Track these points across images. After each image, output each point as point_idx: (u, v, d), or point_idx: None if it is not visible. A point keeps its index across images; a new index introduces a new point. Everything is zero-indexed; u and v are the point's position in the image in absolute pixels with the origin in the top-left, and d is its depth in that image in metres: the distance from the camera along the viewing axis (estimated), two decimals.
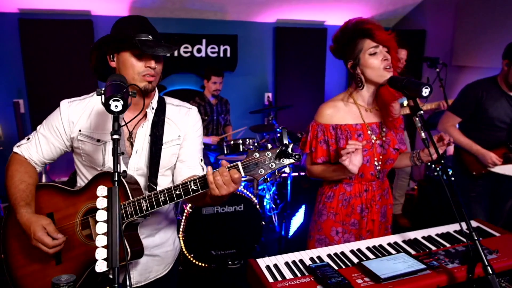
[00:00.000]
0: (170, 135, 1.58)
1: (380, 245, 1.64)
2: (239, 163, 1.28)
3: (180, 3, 4.75)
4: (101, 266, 1.00)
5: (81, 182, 1.60)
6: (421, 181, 4.72)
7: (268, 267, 1.45)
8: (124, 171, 1.09)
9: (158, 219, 1.63)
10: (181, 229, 3.25)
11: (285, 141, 1.25)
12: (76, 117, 1.51)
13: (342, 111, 1.88)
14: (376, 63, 1.77)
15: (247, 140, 3.91)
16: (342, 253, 1.57)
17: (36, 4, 4.42)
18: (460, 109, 2.91)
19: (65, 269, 1.43)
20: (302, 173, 5.25)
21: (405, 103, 3.93)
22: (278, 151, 1.25)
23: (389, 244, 1.64)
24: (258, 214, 3.45)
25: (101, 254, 1.01)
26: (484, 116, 2.79)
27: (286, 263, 1.49)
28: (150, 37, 1.44)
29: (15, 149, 1.57)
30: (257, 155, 1.26)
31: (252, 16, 5.30)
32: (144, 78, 1.45)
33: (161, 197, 1.34)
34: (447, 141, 1.74)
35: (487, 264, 1.22)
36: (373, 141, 1.88)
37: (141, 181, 1.53)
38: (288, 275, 1.40)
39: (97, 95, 1.14)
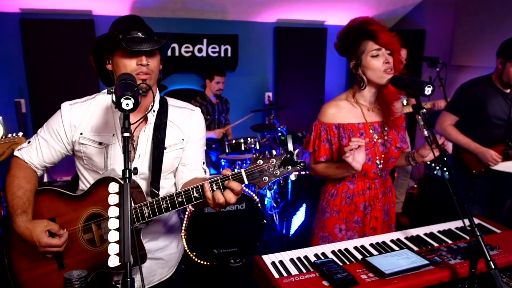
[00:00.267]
0: (173, 138, 1.55)
1: (383, 242, 1.66)
2: (242, 170, 1.24)
3: (181, 3, 4.76)
4: (113, 261, 1.02)
5: (83, 186, 1.58)
6: (421, 179, 4.75)
7: (273, 263, 1.47)
8: (135, 168, 1.11)
9: (162, 222, 1.61)
10: (183, 228, 3.26)
11: (290, 148, 1.23)
12: (77, 121, 1.49)
13: (345, 111, 1.90)
14: (378, 65, 1.78)
15: (249, 139, 3.92)
16: (346, 249, 1.60)
17: (37, 4, 4.42)
18: (457, 107, 2.93)
19: None
20: (303, 172, 5.26)
21: (405, 102, 3.96)
22: (283, 158, 1.21)
23: (392, 241, 1.67)
24: (259, 213, 3.47)
25: (113, 249, 1.03)
26: (481, 113, 2.81)
27: (291, 260, 1.51)
28: (140, 34, 1.41)
29: (16, 153, 1.55)
30: (261, 162, 1.23)
31: (253, 16, 5.31)
32: (138, 76, 1.39)
33: (163, 204, 1.32)
34: (441, 142, 1.75)
35: (489, 259, 1.25)
36: (375, 140, 1.90)
37: (143, 186, 1.50)
38: (293, 271, 1.42)
39: (108, 93, 1.15)
